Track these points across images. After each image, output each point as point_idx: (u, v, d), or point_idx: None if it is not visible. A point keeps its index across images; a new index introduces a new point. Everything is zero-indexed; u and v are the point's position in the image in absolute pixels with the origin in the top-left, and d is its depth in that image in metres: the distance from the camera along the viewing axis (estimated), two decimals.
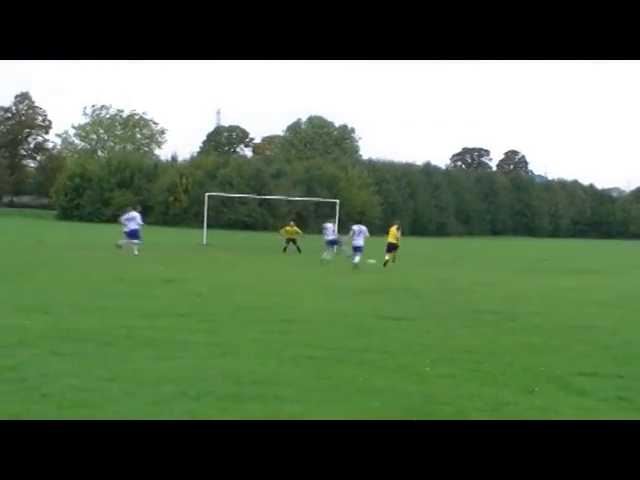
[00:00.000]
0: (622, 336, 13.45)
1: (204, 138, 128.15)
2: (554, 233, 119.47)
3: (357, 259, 29.54)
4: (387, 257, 31.14)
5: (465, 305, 17.32)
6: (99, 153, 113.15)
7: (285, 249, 39.58)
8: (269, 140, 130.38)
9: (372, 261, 34.55)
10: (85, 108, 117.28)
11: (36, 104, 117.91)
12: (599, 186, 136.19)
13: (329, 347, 11.00)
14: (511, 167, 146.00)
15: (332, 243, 31.50)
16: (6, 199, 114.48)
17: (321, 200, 72.62)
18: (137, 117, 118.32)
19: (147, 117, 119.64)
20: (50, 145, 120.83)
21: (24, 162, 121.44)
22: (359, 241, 29.98)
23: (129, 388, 7.92)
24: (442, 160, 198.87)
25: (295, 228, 40.87)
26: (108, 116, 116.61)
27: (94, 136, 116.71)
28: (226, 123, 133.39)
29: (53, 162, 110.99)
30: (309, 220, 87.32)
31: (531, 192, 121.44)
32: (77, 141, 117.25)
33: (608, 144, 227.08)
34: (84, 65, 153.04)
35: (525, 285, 24.39)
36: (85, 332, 11.31)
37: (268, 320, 13.59)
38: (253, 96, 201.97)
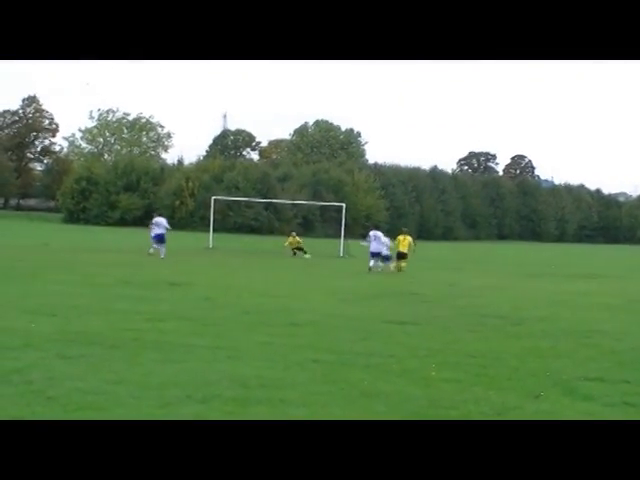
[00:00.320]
0: (628, 341, 13.43)
1: (210, 142, 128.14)
2: (560, 238, 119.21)
3: (378, 264, 30.30)
4: (395, 264, 31.14)
5: (471, 309, 17.30)
6: (105, 156, 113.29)
7: (295, 253, 39.87)
8: (275, 144, 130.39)
9: (307, 256, 38.69)
10: (92, 112, 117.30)
11: (43, 107, 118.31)
12: (606, 191, 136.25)
13: (335, 351, 11.00)
14: (517, 172, 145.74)
15: (376, 255, 31.04)
16: (13, 202, 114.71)
17: (327, 204, 72.63)
18: (144, 120, 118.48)
19: (154, 120, 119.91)
20: (57, 148, 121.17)
21: (31, 165, 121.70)
22: (376, 247, 30.67)
23: (135, 391, 7.93)
24: (448, 164, 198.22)
25: (297, 238, 41.21)
26: (115, 119, 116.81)
27: (101, 139, 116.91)
28: (233, 127, 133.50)
29: (60, 165, 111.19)
30: (315, 224, 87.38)
31: (537, 197, 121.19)
32: (84, 144, 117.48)
33: (615, 149, 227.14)
34: (91, 69, 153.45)
35: (531, 289, 24.37)
36: (91, 335, 11.32)
37: (274, 324, 13.60)
38: (260, 100, 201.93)
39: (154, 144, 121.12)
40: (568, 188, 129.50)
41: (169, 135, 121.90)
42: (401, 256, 31.29)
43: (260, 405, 7.61)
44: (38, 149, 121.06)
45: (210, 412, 7.24)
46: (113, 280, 20.25)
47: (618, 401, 8.56)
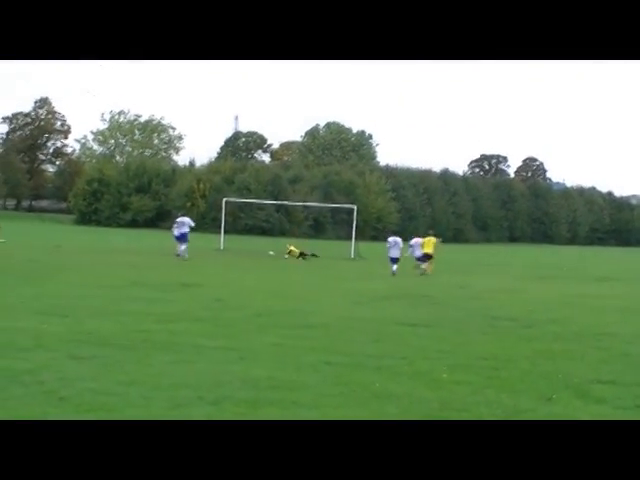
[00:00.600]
0: None
1: (222, 144, 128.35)
2: (572, 240, 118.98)
3: (394, 268, 30.69)
4: (424, 266, 31.83)
5: (482, 312, 17.27)
6: (117, 158, 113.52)
7: (305, 258, 39.66)
8: (287, 146, 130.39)
9: (271, 253, 40.30)
10: (103, 114, 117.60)
11: (55, 109, 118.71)
12: (618, 193, 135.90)
13: (347, 353, 10.99)
14: (529, 174, 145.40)
15: (396, 260, 31.37)
16: (25, 203, 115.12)
17: (338, 206, 72.62)
18: (155, 122, 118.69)
19: (165, 122, 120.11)
20: (69, 150, 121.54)
21: (43, 167, 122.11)
22: (395, 252, 31.37)
23: (147, 392, 7.93)
24: (460, 167, 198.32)
25: (292, 247, 40.58)
26: (126, 121, 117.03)
27: (112, 141, 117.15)
28: (244, 129, 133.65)
29: (72, 167, 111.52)
30: (326, 226, 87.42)
31: (549, 199, 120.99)
32: (95, 146, 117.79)
33: (627, 151, 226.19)
34: (103, 71, 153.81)
35: (543, 292, 24.30)
36: (103, 336, 11.34)
37: (286, 325, 13.60)
38: (271, 102, 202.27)
39: (165, 146, 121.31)
40: (580, 191, 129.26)
41: (180, 137, 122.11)
42: (427, 257, 32.17)
43: (271, 406, 7.61)
44: (50, 151, 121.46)
45: (221, 413, 7.24)
46: (124, 281, 20.29)
47: (631, 404, 8.53)
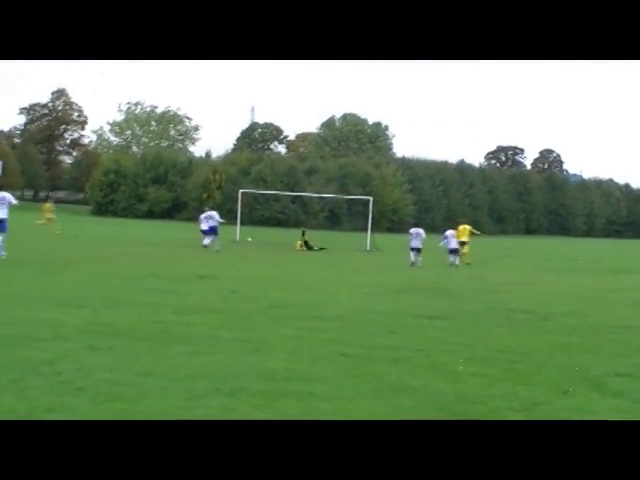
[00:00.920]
0: None
1: (238, 135, 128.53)
2: (589, 233, 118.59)
3: (419, 259, 31.29)
4: (457, 260, 33.03)
5: (499, 304, 17.24)
6: (133, 149, 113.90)
7: (312, 248, 39.74)
8: (303, 137, 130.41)
9: (249, 239, 43.01)
10: (120, 104, 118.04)
11: (72, 100, 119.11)
12: (635, 185, 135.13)
13: (362, 345, 10.99)
14: (546, 166, 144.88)
15: (417, 250, 31.75)
16: (42, 194, 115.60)
17: (354, 197, 72.59)
18: (171, 113, 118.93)
19: (181, 113, 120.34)
20: (86, 141, 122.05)
21: (60, 158, 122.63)
22: (416, 243, 31.73)
23: (163, 383, 7.96)
24: (476, 158, 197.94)
25: (298, 242, 40.86)
26: (143, 112, 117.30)
27: (129, 132, 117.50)
28: (260, 120, 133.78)
29: (88, 158, 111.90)
30: (342, 217, 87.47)
31: (566, 191, 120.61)
32: (112, 137, 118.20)
33: None
34: (120, 63, 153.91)
35: (559, 285, 24.24)
36: (120, 327, 11.39)
37: (302, 317, 13.62)
38: (287, 93, 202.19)
39: (182, 137, 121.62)
40: (597, 182, 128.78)
41: (196, 128, 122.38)
42: (461, 244, 33.52)
43: (287, 398, 7.62)
44: (67, 142, 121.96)
45: (238, 405, 7.26)
46: (141, 272, 20.35)
47: None
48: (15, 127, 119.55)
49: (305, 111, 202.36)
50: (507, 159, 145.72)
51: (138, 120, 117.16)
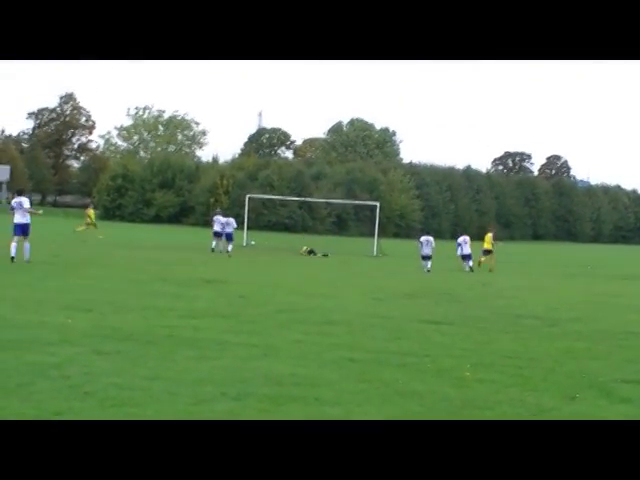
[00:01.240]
0: None
1: (246, 140, 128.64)
2: (596, 239, 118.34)
3: (429, 265, 31.80)
4: (482, 259, 34.70)
5: (506, 310, 17.21)
6: (141, 154, 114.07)
7: (316, 254, 39.85)
8: (310, 142, 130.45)
9: (253, 242, 44.12)
10: (128, 109, 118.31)
11: (80, 105, 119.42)
12: None
13: (370, 350, 10.99)
14: (553, 172, 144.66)
15: (428, 258, 32.18)
16: (50, 198, 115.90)
17: (361, 203, 72.56)
18: (179, 118, 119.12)
19: (189, 118, 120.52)
20: (93, 145, 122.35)
21: (68, 162, 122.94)
22: (427, 250, 32.28)
23: (170, 388, 7.97)
24: (483, 164, 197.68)
25: (303, 249, 41.31)
26: (150, 117, 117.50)
27: (136, 137, 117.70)
28: (268, 125, 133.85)
29: (96, 162, 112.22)
30: (349, 223, 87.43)
31: (573, 197, 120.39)
32: (120, 142, 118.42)
33: None
34: (127, 67, 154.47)
35: (567, 290, 24.21)
36: (127, 331, 11.39)
37: (309, 322, 13.62)
38: (295, 98, 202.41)
39: (189, 142, 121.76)
40: (604, 188, 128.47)
41: (204, 133, 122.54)
42: (485, 252, 34.91)
43: (294, 403, 7.62)
44: (75, 146, 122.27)
45: (244, 409, 7.26)
46: (148, 277, 20.37)
47: None
48: (23, 131, 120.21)
49: (312, 116, 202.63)
50: (514, 165, 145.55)
51: (146, 125, 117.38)
